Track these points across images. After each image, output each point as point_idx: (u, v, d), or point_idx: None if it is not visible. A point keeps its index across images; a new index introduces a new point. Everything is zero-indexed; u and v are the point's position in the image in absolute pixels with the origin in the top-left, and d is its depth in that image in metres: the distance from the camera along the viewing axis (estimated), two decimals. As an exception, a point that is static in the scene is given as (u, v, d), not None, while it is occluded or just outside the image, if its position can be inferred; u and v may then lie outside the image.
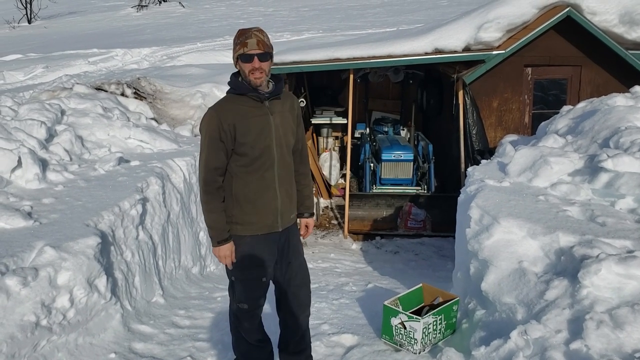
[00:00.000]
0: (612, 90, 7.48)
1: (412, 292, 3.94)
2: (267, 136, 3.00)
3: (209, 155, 2.99)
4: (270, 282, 3.27)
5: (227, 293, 3.40)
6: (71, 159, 5.11)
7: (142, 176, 4.75)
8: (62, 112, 5.79)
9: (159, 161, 5.22)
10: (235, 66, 3.02)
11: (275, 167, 3.07)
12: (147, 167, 5.03)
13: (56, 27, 23.18)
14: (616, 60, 7.92)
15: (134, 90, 7.68)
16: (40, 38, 19.69)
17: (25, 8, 26.40)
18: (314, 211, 3.51)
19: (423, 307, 3.93)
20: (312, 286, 4.18)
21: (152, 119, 7.03)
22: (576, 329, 2.87)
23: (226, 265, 3.13)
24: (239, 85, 2.99)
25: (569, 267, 3.35)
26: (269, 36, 3.07)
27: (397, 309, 3.67)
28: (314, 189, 9.46)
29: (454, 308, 3.75)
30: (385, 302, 3.71)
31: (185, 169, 5.37)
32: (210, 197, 3.04)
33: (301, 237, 3.36)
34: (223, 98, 3.08)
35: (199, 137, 3.18)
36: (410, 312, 3.73)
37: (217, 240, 3.08)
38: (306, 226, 3.39)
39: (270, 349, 3.40)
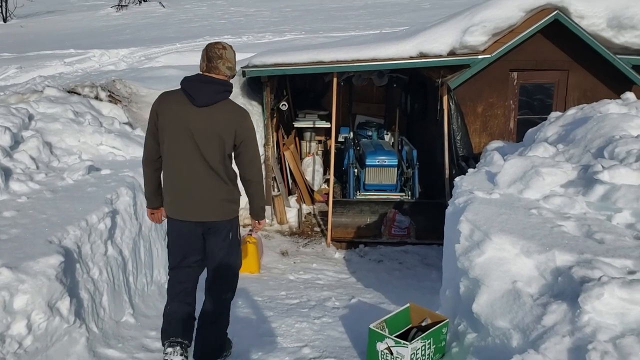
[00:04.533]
0: (600, 95, 7.36)
1: (399, 313, 3.71)
2: None
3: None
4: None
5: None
6: (38, 167, 4.80)
7: (112, 186, 4.46)
8: (30, 117, 5.47)
9: (131, 169, 4.93)
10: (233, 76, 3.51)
11: None
12: (118, 176, 4.74)
13: (33, 27, 22.60)
14: (604, 64, 7.81)
15: (109, 93, 7.37)
16: (16, 37, 19.16)
17: (0, 6, 25.74)
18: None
19: (411, 328, 3.71)
20: (293, 301, 4.78)
21: (126, 123, 6.72)
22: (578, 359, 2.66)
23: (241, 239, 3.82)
24: None
25: (567, 289, 3.14)
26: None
27: (383, 332, 3.44)
28: (296, 193, 9.27)
29: (443, 331, 3.53)
30: (371, 325, 3.48)
31: (159, 178, 5.09)
32: None
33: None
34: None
35: None
36: (397, 335, 3.51)
37: None
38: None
39: None
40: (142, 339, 3.90)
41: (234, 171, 3.54)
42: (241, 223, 4.01)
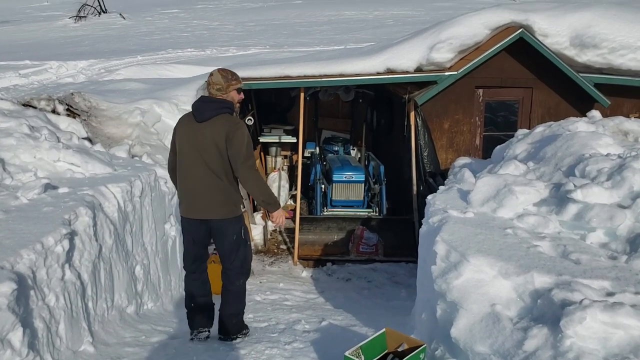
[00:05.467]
0: (563, 113, 7.47)
1: (375, 339, 3.57)
2: None
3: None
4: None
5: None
6: (-12, 185, 4.50)
7: (70, 206, 4.20)
8: (-19, 132, 5.17)
9: (90, 188, 4.68)
10: (227, 94, 4.15)
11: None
12: (76, 194, 4.48)
13: (-14, 36, 21.86)
14: (567, 82, 7.93)
15: (67, 107, 7.06)
16: (-33, 47, 18.46)
17: (-48, 15, 24.87)
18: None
19: (387, 354, 3.57)
20: (261, 325, 5.01)
21: (85, 138, 6.44)
22: (563, 388, 2.57)
23: (248, 238, 4.37)
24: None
25: (547, 312, 3.06)
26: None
27: (359, 360, 3.29)
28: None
29: (420, 356, 3.41)
30: (347, 353, 3.33)
31: (120, 197, 4.85)
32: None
33: None
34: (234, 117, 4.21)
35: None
36: (373, 362, 3.37)
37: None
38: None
39: None
40: (102, 369, 3.66)
41: (234, 175, 4.14)
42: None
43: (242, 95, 4.25)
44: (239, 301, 4.44)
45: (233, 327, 4.44)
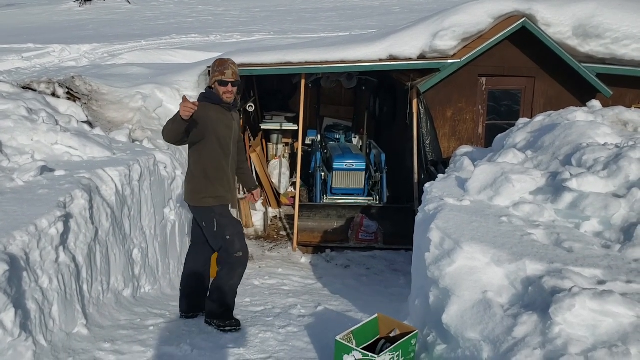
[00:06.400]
0: (565, 103, 7.40)
1: (367, 324, 3.58)
2: (229, 135, 4.28)
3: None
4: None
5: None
6: (-14, 167, 4.52)
7: (66, 189, 4.20)
8: (-21, 114, 5.17)
9: (87, 171, 4.68)
10: (211, 85, 4.25)
11: (230, 157, 4.33)
12: (73, 177, 4.48)
13: (-9, 20, 21.86)
14: (569, 72, 7.87)
15: (67, 90, 7.06)
16: (-28, 30, 18.47)
17: (-42, -2, 24.88)
18: (256, 184, 4.89)
19: (379, 339, 3.58)
20: (257, 308, 5.05)
21: (85, 122, 6.44)
22: (550, 374, 2.58)
23: (222, 232, 4.26)
24: (217, 99, 4.22)
25: (537, 299, 3.06)
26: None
27: (350, 345, 3.30)
28: (262, 196, 9.08)
29: (412, 342, 3.41)
30: (338, 337, 3.34)
31: (117, 180, 4.85)
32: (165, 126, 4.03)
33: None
34: (202, 103, 4.10)
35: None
36: (365, 346, 3.38)
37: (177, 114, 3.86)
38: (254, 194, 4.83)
39: None
40: (95, 351, 3.67)
41: (192, 161, 4.30)
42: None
43: (228, 88, 4.18)
44: (219, 292, 4.35)
45: (211, 313, 4.40)
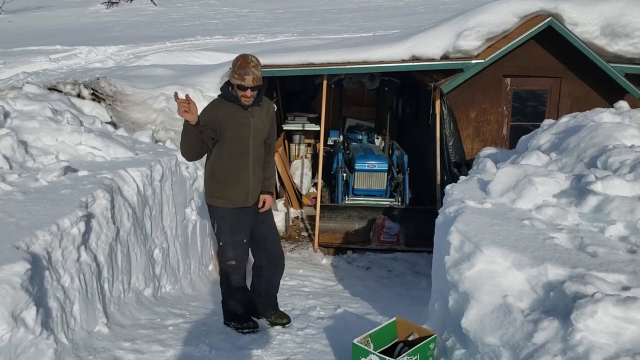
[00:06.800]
0: (592, 104, 7.26)
1: (385, 327, 3.55)
2: (246, 133, 4.02)
3: None
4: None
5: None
6: (11, 167, 4.59)
7: (88, 189, 4.26)
8: (6, 115, 5.26)
9: (110, 171, 4.74)
10: (230, 81, 3.95)
11: (250, 156, 4.07)
12: (95, 178, 4.54)
13: (21, 22, 22.30)
14: (597, 72, 7.72)
15: (92, 92, 7.16)
16: (3, 32, 18.87)
17: (-11, 1, 25.46)
18: (272, 191, 4.45)
19: (397, 343, 3.55)
20: None
21: (109, 123, 6.53)
22: (571, 382, 2.52)
23: (218, 237, 4.20)
24: (231, 96, 3.98)
25: (559, 305, 3.00)
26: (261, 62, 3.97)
27: (367, 348, 3.28)
28: (284, 196, 9.10)
29: (430, 346, 3.38)
30: (355, 340, 3.32)
31: (139, 180, 4.90)
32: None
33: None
34: (218, 99, 4.06)
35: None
36: (383, 350, 3.36)
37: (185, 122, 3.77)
38: (264, 201, 4.30)
39: (248, 294, 4.51)
40: (115, 350, 3.71)
41: (206, 158, 4.15)
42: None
43: (247, 93, 3.89)
44: (221, 285, 4.47)
45: (229, 314, 4.49)
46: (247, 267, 4.46)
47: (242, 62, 3.87)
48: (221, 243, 4.20)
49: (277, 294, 4.62)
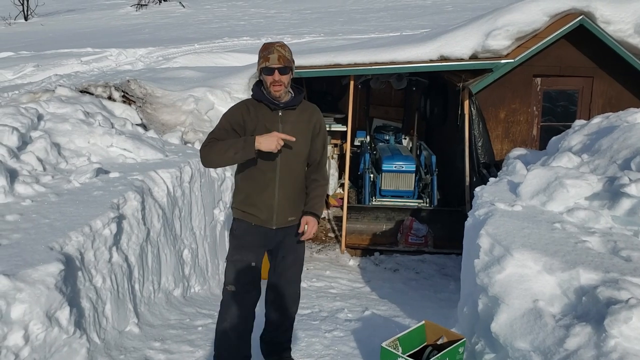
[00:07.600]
0: (625, 104, 7.11)
1: (414, 331, 3.53)
2: None
3: (216, 130, 3.34)
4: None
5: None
6: (45, 169, 4.70)
7: (119, 190, 4.33)
8: (40, 117, 5.38)
9: (140, 173, 4.81)
10: (259, 77, 3.35)
11: (277, 170, 3.34)
12: (127, 179, 4.62)
13: (53, 25, 22.79)
14: (630, 72, 7.56)
15: (123, 94, 7.28)
16: (35, 35, 19.30)
17: (22, 5, 26.01)
18: (318, 213, 3.50)
19: (425, 347, 3.53)
20: (304, 312, 4.48)
21: (139, 124, 6.62)
22: (604, 390, 2.47)
23: (227, 253, 3.54)
24: (259, 93, 3.34)
25: (592, 310, 2.94)
26: (291, 50, 3.37)
27: (396, 352, 3.26)
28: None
29: (459, 350, 3.35)
30: (384, 344, 3.31)
31: (169, 182, 4.97)
32: (209, 147, 3.25)
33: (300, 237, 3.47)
34: (247, 99, 3.46)
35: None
36: (411, 354, 3.34)
37: (250, 145, 3.17)
38: (306, 224, 3.43)
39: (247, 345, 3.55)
40: (145, 350, 3.77)
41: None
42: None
43: (275, 77, 3.23)
44: (217, 321, 3.53)
45: None
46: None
47: (265, 45, 3.34)
48: (225, 262, 3.57)
49: (291, 337, 3.74)
